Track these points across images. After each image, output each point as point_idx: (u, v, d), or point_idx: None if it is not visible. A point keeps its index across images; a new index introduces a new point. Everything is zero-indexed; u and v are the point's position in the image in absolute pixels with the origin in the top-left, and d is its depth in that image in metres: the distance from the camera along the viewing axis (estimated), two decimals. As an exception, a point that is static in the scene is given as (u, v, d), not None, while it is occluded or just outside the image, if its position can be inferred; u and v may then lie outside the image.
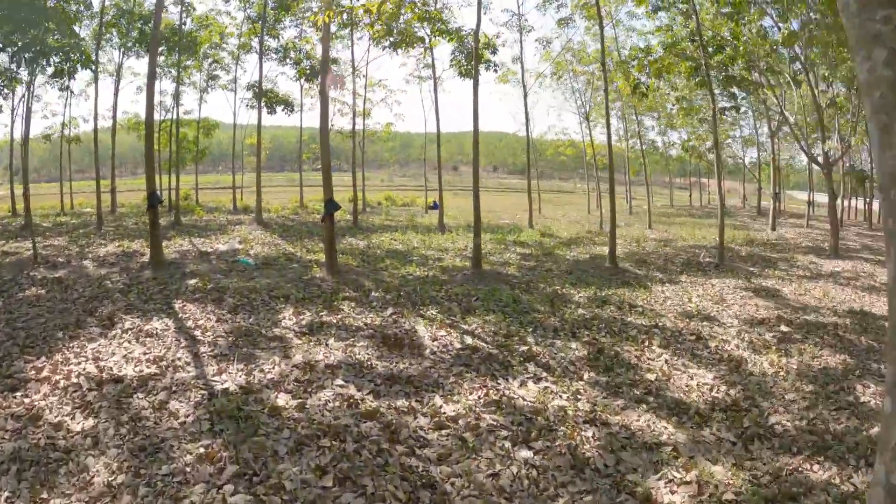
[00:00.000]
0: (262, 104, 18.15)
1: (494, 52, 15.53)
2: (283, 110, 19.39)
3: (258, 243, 12.49)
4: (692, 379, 6.08)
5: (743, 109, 25.09)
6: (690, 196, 41.19)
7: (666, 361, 6.52)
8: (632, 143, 29.34)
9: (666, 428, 4.87)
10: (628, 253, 13.45)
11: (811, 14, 14.50)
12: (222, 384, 4.87)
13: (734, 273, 11.87)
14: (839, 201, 22.37)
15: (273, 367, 5.30)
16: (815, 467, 4.54)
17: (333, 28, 17.49)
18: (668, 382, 5.90)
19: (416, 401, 4.80)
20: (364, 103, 24.19)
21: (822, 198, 30.04)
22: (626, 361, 6.35)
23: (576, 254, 13.26)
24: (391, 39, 12.43)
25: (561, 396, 5.18)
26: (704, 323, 8.15)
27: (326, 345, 5.99)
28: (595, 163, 26.08)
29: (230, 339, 6.06)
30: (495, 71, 16.39)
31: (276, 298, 7.62)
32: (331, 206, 9.14)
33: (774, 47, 16.86)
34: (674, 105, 26.91)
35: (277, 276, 9.02)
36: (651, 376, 5.98)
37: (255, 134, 17.74)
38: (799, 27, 14.99)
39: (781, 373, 6.52)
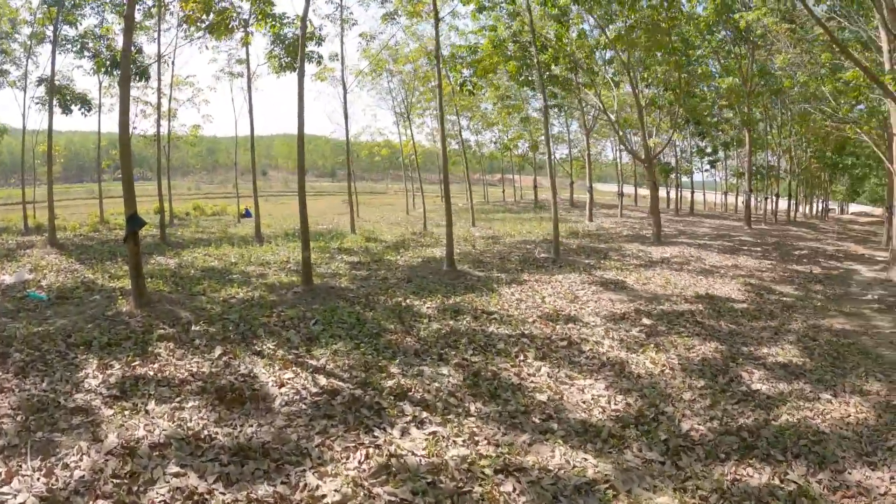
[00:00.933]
0: (56, 102, 15.10)
1: (320, 42, 14.33)
2: (79, 110, 16.20)
3: (53, 270, 10.18)
4: (585, 392, 5.83)
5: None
6: (504, 192, 43.09)
7: (549, 375, 6.15)
8: (449, 142, 29.59)
9: (586, 459, 4.47)
10: (462, 253, 13.11)
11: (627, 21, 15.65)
12: (14, 498, 3.18)
13: (573, 267, 12.22)
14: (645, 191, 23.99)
15: (81, 459, 3.69)
16: (750, 471, 4.47)
17: (139, 16, 15.37)
18: (563, 402, 5.52)
19: (283, 482, 3.55)
20: (170, 103, 21.61)
21: (628, 189, 32.58)
22: (509, 382, 5.83)
23: (407, 258, 12.54)
24: (207, 21, 10.62)
25: (456, 443, 4.32)
26: (570, 325, 8.02)
27: (146, 412, 4.42)
28: (416, 162, 25.79)
29: (19, 419, 4.21)
30: (318, 63, 15.12)
31: (75, 347, 5.70)
32: (134, 222, 7.30)
33: (595, 50, 17.62)
34: (494, 104, 27.55)
35: (76, 314, 6.97)
36: (542, 397, 5.56)
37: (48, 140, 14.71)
38: (619, 32, 16.25)
39: (667, 370, 6.51)
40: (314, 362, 5.74)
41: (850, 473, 4.59)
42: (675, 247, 16.18)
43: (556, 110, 24.58)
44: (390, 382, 5.38)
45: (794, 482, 4.33)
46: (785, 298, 10.68)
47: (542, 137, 30.42)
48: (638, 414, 5.27)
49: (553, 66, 16.06)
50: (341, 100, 18.79)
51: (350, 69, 22.86)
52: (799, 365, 7.01)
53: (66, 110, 15.96)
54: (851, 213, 52.20)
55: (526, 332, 7.43)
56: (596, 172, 57.13)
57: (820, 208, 45.67)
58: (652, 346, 7.22)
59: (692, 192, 34.69)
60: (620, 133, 19.74)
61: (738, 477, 4.36)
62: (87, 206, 26.65)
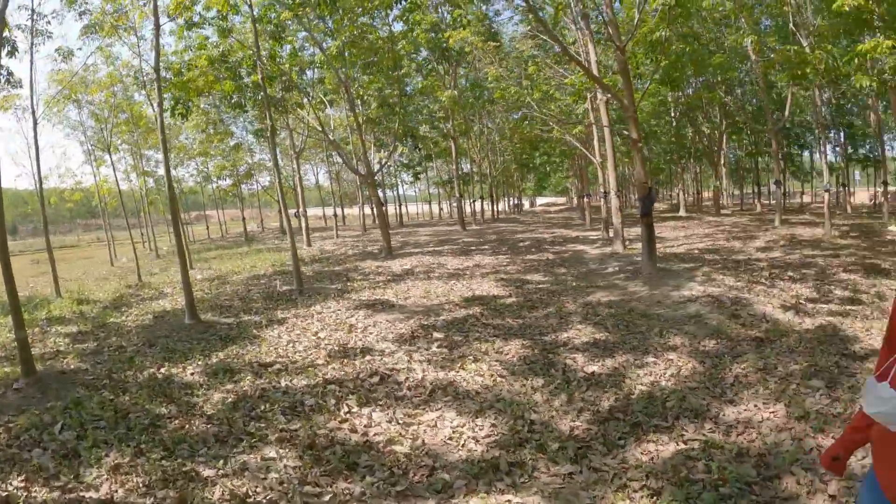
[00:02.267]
0: None
1: (13, 53, 10.89)
2: None
3: None
4: (439, 427, 5.06)
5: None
6: (208, 228, 39.97)
7: (389, 421, 5.23)
8: (147, 180, 26.61)
9: (511, 501, 3.75)
10: (196, 300, 11.24)
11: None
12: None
13: (323, 295, 11.53)
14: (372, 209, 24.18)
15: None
16: (653, 446, 4.43)
17: None
18: (428, 446, 4.69)
19: None
20: None
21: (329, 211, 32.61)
22: (353, 444, 4.76)
23: (135, 318, 10.36)
24: None
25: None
26: (367, 358, 7.16)
27: None
28: (121, 205, 22.48)
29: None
30: (8, 82, 11.66)
31: None
32: None
33: (310, 67, 17.19)
34: (203, 130, 25.27)
35: None
36: (403, 448, 4.65)
37: None
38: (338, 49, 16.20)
39: (500, 379, 6.15)
40: (93, 494, 3.96)
41: (725, 415, 4.86)
42: (410, 257, 16.43)
43: (264, 136, 23.43)
44: (217, 493, 3.95)
45: (695, 439, 4.43)
46: (542, 286, 11.35)
47: (239, 167, 29.39)
48: (512, 431, 4.75)
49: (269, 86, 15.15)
50: (27, 135, 15.18)
51: (39, 95, 18.60)
52: (604, 340, 7.34)
53: None
54: (539, 206, 60.92)
55: (328, 377, 6.41)
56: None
57: (513, 204, 52.53)
58: (465, 358, 6.81)
59: (398, 206, 36.38)
60: (343, 152, 19.58)
61: (650, 455, 4.26)
62: None
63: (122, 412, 5.40)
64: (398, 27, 18.75)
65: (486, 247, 18.61)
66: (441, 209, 49.72)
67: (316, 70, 19.79)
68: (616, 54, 11.67)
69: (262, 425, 5.09)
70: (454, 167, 28.00)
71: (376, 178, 19.29)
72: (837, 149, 31.21)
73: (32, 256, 28.91)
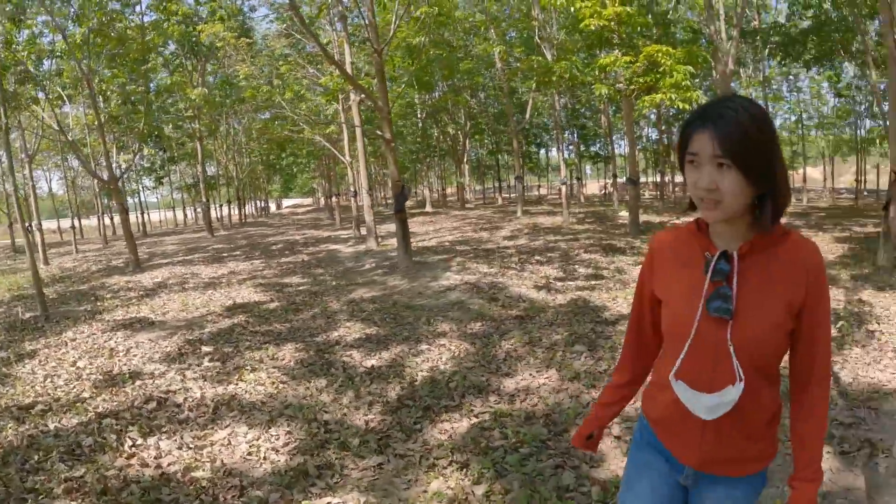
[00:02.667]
0: None
1: None
2: None
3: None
4: (234, 445, 4.84)
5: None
6: None
7: (180, 447, 4.82)
8: None
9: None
10: None
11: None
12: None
13: (73, 319, 9.99)
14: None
15: None
16: (448, 425, 4.60)
17: None
18: (232, 466, 4.43)
19: None
20: None
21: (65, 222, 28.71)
22: (154, 480, 4.25)
23: None
24: None
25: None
26: (137, 383, 6.44)
27: None
28: None
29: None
30: None
31: None
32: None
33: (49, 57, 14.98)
34: None
35: None
36: (204, 473, 4.33)
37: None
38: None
39: (284, 385, 6.07)
40: None
41: (505, 386, 5.45)
42: (160, 269, 15.14)
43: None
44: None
45: (485, 412, 4.90)
46: (302, 287, 11.31)
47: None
48: (309, 435, 4.73)
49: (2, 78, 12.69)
50: None
51: None
52: (376, 334, 7.60)
53: None
54: (286, 208, 59.40)
55: (100, 410, 5.64)
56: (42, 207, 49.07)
57: (260, 206, 50.76)
58: (242, 368, 6.57)
59: (140, 213, 32.98)
60: (80, 154, 17.23)
61: (447, 433, 4.58)
62: None
63: None
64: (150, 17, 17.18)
65: (239, 252, 17.92)
66: (186, 215, 46.27)
67: (55, 61, 17.43)
68: (374, 57, 12.01)
69: (43, 478, 4.32)
70: (200, 170, 26.42)
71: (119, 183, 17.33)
72: (571, 147, 36.68)
73: None
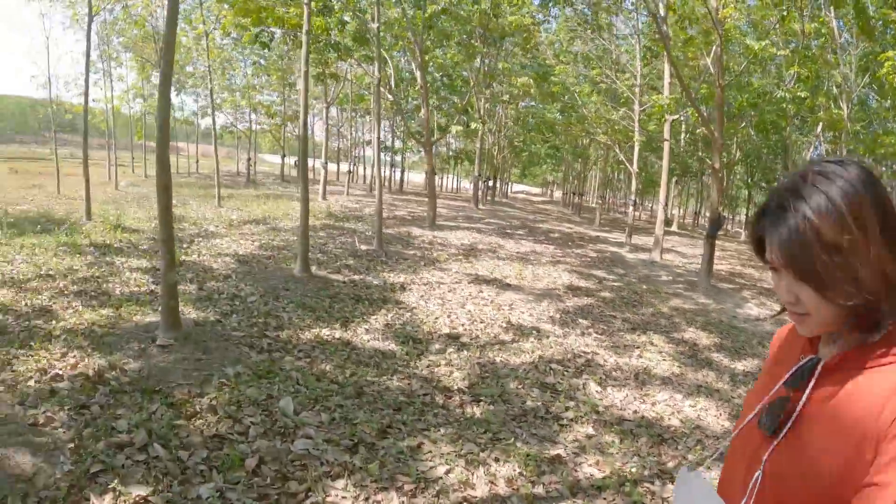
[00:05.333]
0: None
1: None
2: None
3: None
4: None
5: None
6: (177, 161, 38.34)
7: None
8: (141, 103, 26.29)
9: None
10: (276, 248, 11.05)
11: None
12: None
13: (411, 260, 11.52)
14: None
15: None
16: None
17: None
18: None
19: None
20: None
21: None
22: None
23: (211, 258, 9.57)
24: None
25: None
26: (550, 339, 7.68)
27: None
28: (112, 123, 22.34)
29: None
30: None
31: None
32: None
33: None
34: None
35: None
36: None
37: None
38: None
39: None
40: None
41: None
42: (453, 231, 16.97)
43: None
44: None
45: None
46: (615, 283, 12.09)
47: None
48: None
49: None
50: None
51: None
52: (721, 343, 8.31)
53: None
54: (514, 192, 61.21)
55: (541, 356, 7.01)
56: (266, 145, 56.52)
57: (500, 188, 53.32)
58: (638, 347, 7.63)
59: (402, 172, 36.48)
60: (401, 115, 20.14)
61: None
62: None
63: (339, 382, 5.25)
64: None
65: (522, 232, 19.47)
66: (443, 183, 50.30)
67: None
68: (717, 90, 12.62)
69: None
70: (478, 145, 27.84)
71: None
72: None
73: (8, 164, 27.30)
